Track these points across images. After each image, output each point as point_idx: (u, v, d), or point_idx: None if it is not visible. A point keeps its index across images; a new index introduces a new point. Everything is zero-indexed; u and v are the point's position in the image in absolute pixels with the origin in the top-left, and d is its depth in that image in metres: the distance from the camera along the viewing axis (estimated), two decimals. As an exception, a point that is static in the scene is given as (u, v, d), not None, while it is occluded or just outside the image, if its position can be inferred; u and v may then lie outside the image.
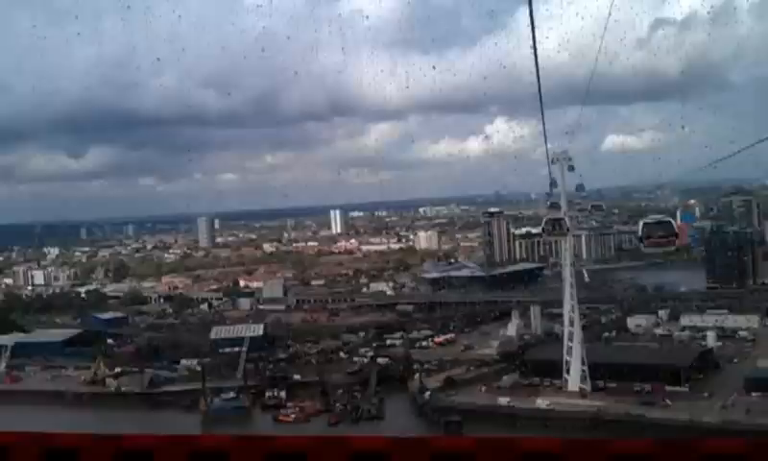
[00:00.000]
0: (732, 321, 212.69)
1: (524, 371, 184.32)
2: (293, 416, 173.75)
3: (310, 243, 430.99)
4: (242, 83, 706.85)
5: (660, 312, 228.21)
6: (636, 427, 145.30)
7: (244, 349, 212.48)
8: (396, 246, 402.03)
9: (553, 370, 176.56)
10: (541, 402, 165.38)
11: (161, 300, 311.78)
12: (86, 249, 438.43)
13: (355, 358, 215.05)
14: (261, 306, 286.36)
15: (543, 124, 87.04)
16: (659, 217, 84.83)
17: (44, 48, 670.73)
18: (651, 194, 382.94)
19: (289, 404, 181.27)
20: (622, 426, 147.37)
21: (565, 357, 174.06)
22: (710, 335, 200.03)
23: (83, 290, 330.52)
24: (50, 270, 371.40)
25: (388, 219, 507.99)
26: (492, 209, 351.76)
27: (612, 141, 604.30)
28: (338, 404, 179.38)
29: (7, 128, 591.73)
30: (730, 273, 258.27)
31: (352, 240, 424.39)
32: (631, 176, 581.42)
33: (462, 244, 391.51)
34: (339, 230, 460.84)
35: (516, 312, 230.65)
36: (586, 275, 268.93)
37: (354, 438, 7.31)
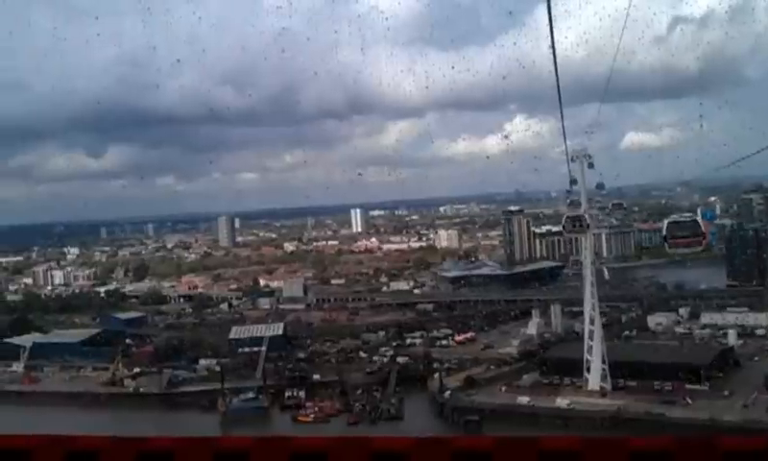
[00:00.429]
0: (752, 319, 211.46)
1: (544, 370, 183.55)
2: (312, 416, 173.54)
3: (330, 242, 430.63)
4: (261, 82, 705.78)
5: (681, 310, 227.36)
6: (656, 426, 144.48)
7: (263, 348, 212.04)
8: (417, 245, 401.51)
9: (573, 369, 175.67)
10: (561, 402, 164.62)
11: (181, 299, 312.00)
12: (106, 248, 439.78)
13: (375, 358, 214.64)
14: (281, 306, 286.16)
15: (563, 122, 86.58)
16: (684, 216, 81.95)
17: (64, 48, 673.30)
18: (670, 192, 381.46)
19: (308, 404, 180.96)
20: (642, 426, 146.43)
21: (586, 356, 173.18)
22: (731, 333, 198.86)
23: (102, 290, 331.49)
24: (70, 270, 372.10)
25: (408, 218, 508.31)
26: (512, 208, 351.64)
27: (631, 139, 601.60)
28: (357, 404, 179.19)
29: (27, 127, 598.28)
30: (750, 271, 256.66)
31: (373, 239, 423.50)
32: (650, 174, 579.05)
33: (482, 243, 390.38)
34: (359, 229, 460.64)
35: (536, 311, 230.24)
36: (606, 273, 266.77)
37: (374, 438, 7.26)
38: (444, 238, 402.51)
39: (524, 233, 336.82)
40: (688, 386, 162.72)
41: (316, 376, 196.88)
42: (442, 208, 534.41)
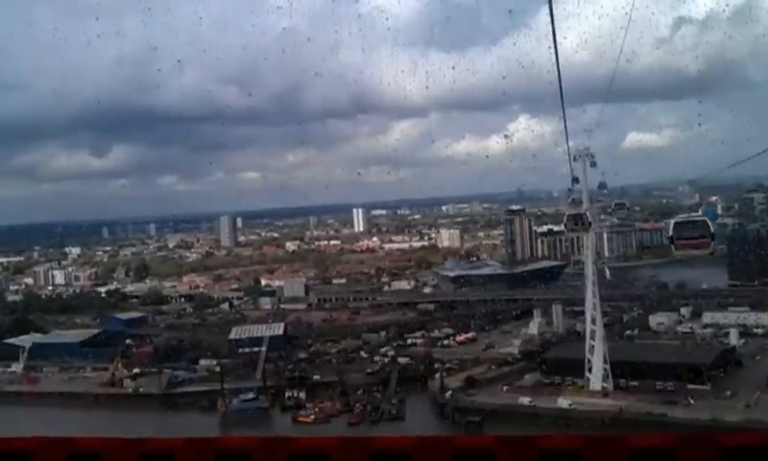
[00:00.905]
0: (754, 318, 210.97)
1: (545, 369, 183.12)
2: (312, 416, 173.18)
3: (332, 241, 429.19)
4: (264, 81, 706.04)
5: (682, 310, 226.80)
6: (658, 427, 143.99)
7: (263, 348, 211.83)
8: (419, 244, 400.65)
9: (575, 369, 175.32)
10: (563, 402, 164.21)
11: (182, 299, 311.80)
12: (108, 248, 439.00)
13: (376, 358, 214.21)
14: (282, 305, 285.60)
15: (565, 121, 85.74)
16: (692, 216, 79.12)
17: (67, 47, 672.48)
18: (672, 192, 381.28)
19: (309, 405, 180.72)
20: (644, 426, 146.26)
21: (587, 356, 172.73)
22: (733, 333, 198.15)
23: (103, 290, 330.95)
24: (71, 270, 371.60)
25: (410, 217, 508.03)
26: (514, 207, 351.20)
27: (633, 139, 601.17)
28: (358, 405, 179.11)
29: (31, 126, 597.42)
30: (751, 270, 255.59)
31: (374, 238, 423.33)
32: (651, 173, 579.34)
33: (484, 242, 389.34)
34: (361, 229, 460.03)
35: (537, 310, 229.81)
36: (607, 272, 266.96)
37: (375, 438, 7.30)
38: (446, 238, 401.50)
39: (526, 233, 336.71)
40: (690, 386, 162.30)
41: (316, 377, 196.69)
42: (444, 208, 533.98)
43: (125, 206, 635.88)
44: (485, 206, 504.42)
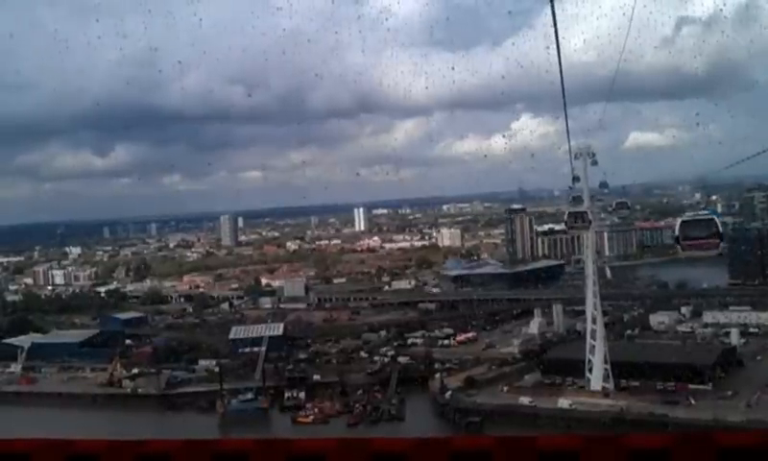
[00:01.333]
0: (755, 317, 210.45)
1: (545, 369, 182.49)
2: (311, 417, 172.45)
3: (333, 241, 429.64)
4: (267, 81, 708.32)
5: (683, 309, 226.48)
6: (659, 427, 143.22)
7: (263, 349, 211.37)
8: (419, 243, 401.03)
9: (575, 369, 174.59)
10: (563, 402, 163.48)
11: (181, 299, 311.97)
12: (108, 248, 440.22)
13: (376, 358, 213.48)
14: (282, 305, 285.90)
15: (566, 121, 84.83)
16: (700, 214, 75.62)
17: (69, 47, 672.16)
18: (672, 191, 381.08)
19: (308, 405, 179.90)
20: (645, 426, 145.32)
21: (588, 356, 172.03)
22: (734, 332, 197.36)
23: (103, 290, 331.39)
24: (71, 270, 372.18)
25: (411, 216, 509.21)
26: (515, 206, 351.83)
27: (635, 139, 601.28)
28: (357, 405, 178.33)
29: (33, 126, 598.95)
30: (752, 269, 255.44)
31: (375, 238, 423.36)
32: (652, 173, 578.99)
33: (484, 241, 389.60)
34: (362, 228, 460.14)
35: (538, 310, 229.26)
36: (608, 271, 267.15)
37: (374, 439, 7.23)
38: (447, 237, 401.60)
39: (526, 232, 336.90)
40: (691, 386, 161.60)
41: (316, 377, 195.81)
42: (445, 207, 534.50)
43: (126, 206, 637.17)
44: (486, 205, 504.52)
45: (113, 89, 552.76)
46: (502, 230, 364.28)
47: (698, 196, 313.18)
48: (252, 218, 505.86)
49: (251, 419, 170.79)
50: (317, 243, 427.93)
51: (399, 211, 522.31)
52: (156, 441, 7.49)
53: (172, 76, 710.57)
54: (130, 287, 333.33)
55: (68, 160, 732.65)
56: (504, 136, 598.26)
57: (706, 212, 79.02)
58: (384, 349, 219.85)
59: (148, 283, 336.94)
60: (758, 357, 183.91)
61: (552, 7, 32.19)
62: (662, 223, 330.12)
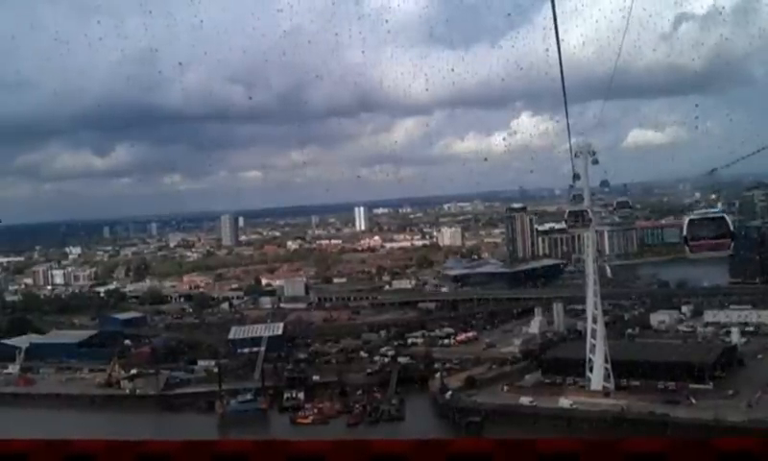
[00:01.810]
0: (755, 316, 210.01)
1: (547, 369, 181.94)
2: (311, 417, 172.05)
3: (333, 240, 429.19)
4: (267, 81, 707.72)
5: (684, 308, 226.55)
6: (660, 427, 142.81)
7: (262, 349, 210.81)
8: (420, 243, 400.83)
9: (576, 368, 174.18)
10: (564, 402, 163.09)
11: (181, 299, 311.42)
12: (108, 248, 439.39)
13: (376, 358, 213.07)
14: (282, 305, 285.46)
15: (567, 119, 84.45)
16: (709, 212, 73.06)
17: (69, 47, 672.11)
18: (672, 189, 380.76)
19: (307, 406, 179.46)
20: (646, 426, 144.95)
21: (588, 355, 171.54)
22: (734, 331, 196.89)
23: (102, 290, 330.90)
24: (70, 270, 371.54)
25: (412, 216, 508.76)
26: (516, 205, 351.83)
27: (634, 137, 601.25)
28: (357, 405, 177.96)
29: (33, 126, 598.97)
30: (753, 268, 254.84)
31: (376, 237, 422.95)
32: (652, 171, 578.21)
33: (485, 240, 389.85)
34: (363, 227, 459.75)
35: (538, 309, 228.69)
36: (608, 270, 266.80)
37: (373, 441, 7.31)
38: (448, 236, 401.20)
39: (527, 231, 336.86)
40: (692, 386, 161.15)
41: (316, 377, 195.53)
42: (446, 206, 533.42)
43: (127, 206, 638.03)
44: (486, 204, 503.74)
45: (114, 89, 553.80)
46: (503, 230, 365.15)
47: (698, 195, 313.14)
48: (253, 218, 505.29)
49: (250, 419, 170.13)
50: (317, 243, 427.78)
51: (400, 211, 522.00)
52: (154, 441, 7.51)
53: (173, 76, 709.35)
54: (129, 287, 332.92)
55: (68, 160, 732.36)
56: (508, 134, 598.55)
57: (715, 210, 76.83)
58: (384, 348, 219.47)
59: (148, 283, 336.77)
60: (759, 356, 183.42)
61: (552, 4, 31.62)
62: (663, 221, 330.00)
